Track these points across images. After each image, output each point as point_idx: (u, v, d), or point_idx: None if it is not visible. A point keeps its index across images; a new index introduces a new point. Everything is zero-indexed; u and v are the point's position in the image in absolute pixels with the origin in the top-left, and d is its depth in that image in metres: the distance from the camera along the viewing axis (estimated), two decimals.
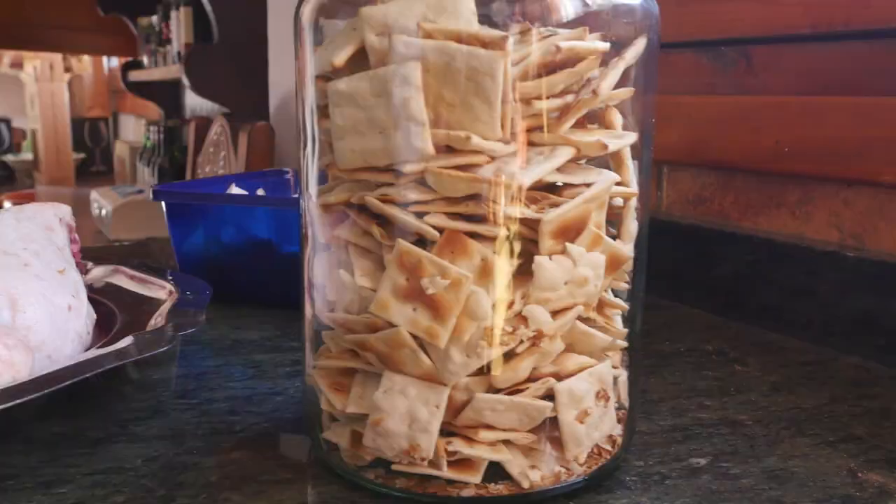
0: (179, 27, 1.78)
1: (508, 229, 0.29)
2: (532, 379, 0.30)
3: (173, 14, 1.82)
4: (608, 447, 0.32)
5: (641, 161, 0.32)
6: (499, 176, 0.28)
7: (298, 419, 0.38)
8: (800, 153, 0.54)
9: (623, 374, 0.33)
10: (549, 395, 0.30)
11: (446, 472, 0.29)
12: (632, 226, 0.32)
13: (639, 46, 0.30)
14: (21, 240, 0.43)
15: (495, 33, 0.27)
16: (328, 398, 0.32)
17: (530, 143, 0.29)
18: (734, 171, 0.59)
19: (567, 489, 0.31)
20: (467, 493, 0.30)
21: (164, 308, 0.43)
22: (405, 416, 0.29)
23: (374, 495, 0.31)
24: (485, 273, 0.28)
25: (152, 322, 0.40)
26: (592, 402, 0.30)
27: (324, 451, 0.33)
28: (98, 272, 0.51)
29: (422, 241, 0.29)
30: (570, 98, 0.30)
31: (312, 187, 0.33)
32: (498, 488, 0.30)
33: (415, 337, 0.29)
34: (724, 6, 0.58)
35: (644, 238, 0.32)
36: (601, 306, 0.32)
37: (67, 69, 3.66)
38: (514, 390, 0.29)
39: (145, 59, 2.35)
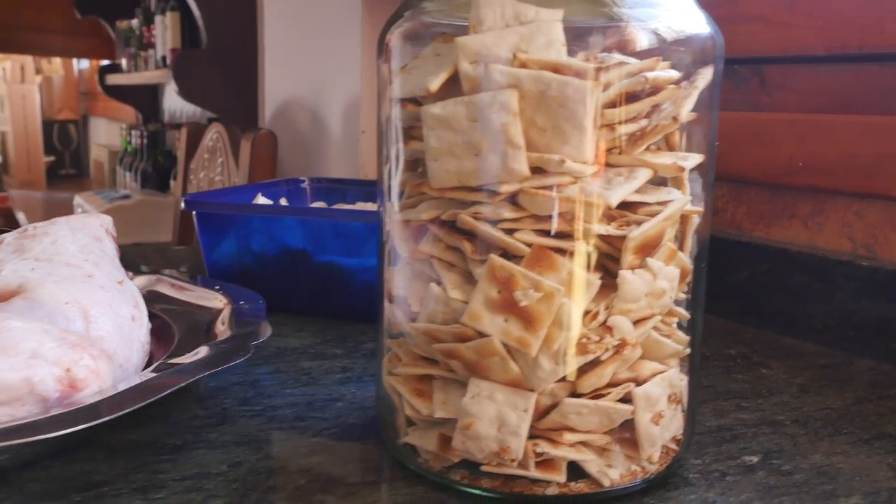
0: (165, 32, 1.77)
1: (591, 245, 0.31)
2: (612, 384, 0.32)
3: (158, 18, 1.81)
4: (673, 447, 0.35)
5: (706, 180, 0.34)
6: (588, 195, 0.30)
7: (364, 424, 0.40)
8: (813, 168, 0.57)
9: (685, 379, 0.35)
10: (624, 399, 0.32)
11: (534, 472, 0.31)
12: (692, 240, 0.34)
13: (708, 74, 0.32)
14: (81, 251, 0.44)
15: (588, 65, 0.29)
16: (411, 403, 0.34)
17: (608, 165, 0.31)
18: (748, 184, 0.62)
19: (641, 486, 0.33)
20: (551, 491, 0.32)
21: (224, 317, 0.44)
22: (494, 420, 0.31)
23: (460, 495, 0.32)
24: (572, 286, 0.30)
25: (218, 331, 0.41)
26: (665, 405, 0.33)
27: (404, 454, 0.35)
28: (141, 281, 0.52)
29: (505, 256, 0.31)
30: (643, 122, 0.32)
31: (395, 203, 0.35)
32: (578, 486, 0.32)
33: (504, 346, 0.31)
34: (739, 27, 0.61)
35: (705, 251, 0.35)
36: (666, 315, 0.34)
37: (38, 71, 3.58)
38: (595, 395, 0.31)
39: (124, 63, 2.32)
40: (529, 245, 0.30)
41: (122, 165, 2.08)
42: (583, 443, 0.32)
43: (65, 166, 3.81)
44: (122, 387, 0.33)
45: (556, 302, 0.30)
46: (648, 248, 0.31)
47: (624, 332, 0.31)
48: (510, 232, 0.31)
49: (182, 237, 1.41)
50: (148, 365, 0.42)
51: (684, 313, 0.34)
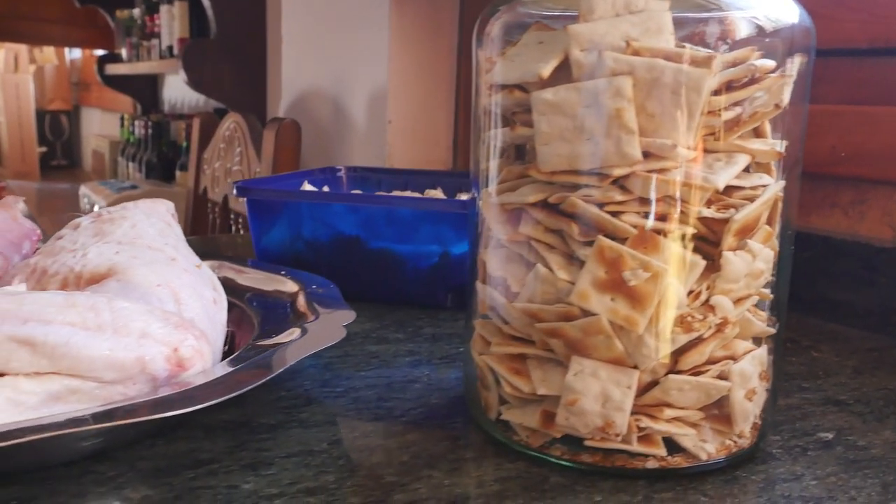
0: (173, 21, 1.76)
1: (692, 227, 0.32)
2: (709, 362, 0.33)
3: (164, 8, 1.80)
4: (758, 422, 0.36)
5: (794, 166, 0.35)
6: (694, 179, 0.31)
7: (447, 404, 0.41)
8: (855, 158, 0.58)
9: (769, 358, 0.37)
10: (719, 376, 0.33)
11: (636, 447, 0.33)
12: (779, 223, 0.36)
13: (802, 62, 0.34)
14: (160, 235, 0.44)
15: (703, 53, 0.30)
16: (510, 381, 0.35)
17: (706, 150, 0.32)
18: None
19: (733, 460, 0.34)
20: (651, 465, 0.33)
21: (301, 301, 0.44)
22: (599, 397, 0.32)
23: (561, 469, 0.34)
24: (678, 267, 0.31)
25: (302, 314, 0.42)
26: (757, 382, 0.34)
27: (497, 431, 0.36)
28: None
29: (608, 237, 0.32)
30: (738, 110, 0.33)
31: (492, 188, 0.36)
32: (675, 460, 0.33)
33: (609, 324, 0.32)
34: None
35: (791, 236, 0.36)
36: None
37: (32, 61, 3.54)
38: (694, 372, 0.33)
39: (124, 53, 2.31)
40: (635, 227, 0.31)
41: (125, 156, 2.06)
42: (677, 418, 0.33)
43: (56, 157, 3.78)
44: (234, 366, 0.33)
45: (663, 282, 0.31)
46: (747, 230, 0.32)
47: (726, 311, 0.32)
48: (615, 214, 0.32)
49: (195, 228, 1.41)
50: (230, 347, 0.43)
51: (768, 294, 0.36)
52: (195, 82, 1.57)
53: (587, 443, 0.33)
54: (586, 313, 0.32)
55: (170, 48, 1.80)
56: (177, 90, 2.36)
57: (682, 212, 0.31)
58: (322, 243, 0.60)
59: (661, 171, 0.31)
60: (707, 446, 0.33)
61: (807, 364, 0.49)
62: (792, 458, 0.35)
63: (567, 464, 0.34)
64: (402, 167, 0.98)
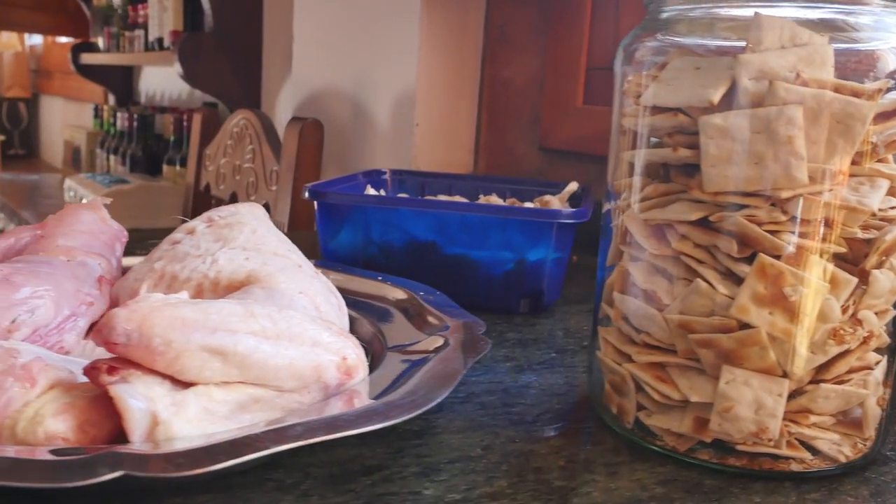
0: (164, 13, 1.72)
1: (838, 245, 0.34)
2: (850, 371, 0.35)
3: None
4: (878, 427, 0.39)
5: None
6: (847, 201, 0.33)
7: (570, 409, 0.42)
8: None
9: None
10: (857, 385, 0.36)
11: (785, 451, 0.35)
12: None
13: None
14: (280, 241, 0.44)
15: (870, 86, 0.32)
16: (657, 389, 0.36)
17: (851, 175, 0.35)
18: None
19: (863, 461, 0.37)
20: (795, 467, 0.35)
21: (416, 307, 0.45)
22: (752, 404, 0.34)
23: (710, 472, 0.36)
24: (832, 283, 0.34)
25: (431, 321, 0.43)
26: (882, 389, 0.37)
27: (638, 437, 0.38)
28: None
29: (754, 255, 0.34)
30: (880, 137, 0.35)
31: (635, 205, 0.37)
32: (815, 462, 0.36)
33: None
34: None
35: None
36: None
37: None
38: (838, 380, 0.35)
39: (100, 42, 2.24)
40: (792, 245, 0.34)
41: (104, 148, 2.01)
42: (815, 424, 0.36)
43: (14, 146, 3.63)
44: (416, 377, 0.34)
45: (821, 297, 0.33)
46: (890, 249, 0.35)
47: (872, 325, 0.34)
48: (773, 233, 0.34)
49: None
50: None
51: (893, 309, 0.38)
52: (190, 76, 1.54)
53: (740, 447, 0.35)
54: (743, 326, 0.34)
55: (159, 40, 1.76)
56: (155, 82, 2.30)
57: (833, 232, 0.34)
58: (396, 248, 0.61)
59: (818, 193, 0.33)
60: (844, 449, 0.36)
61: None
62: None
63: (716, 467, 0.36)
64: (426, 170, 0.99)
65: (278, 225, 0.51)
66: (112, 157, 1.95)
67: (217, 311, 0.32)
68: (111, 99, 2.48)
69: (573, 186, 0.74)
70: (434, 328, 0.42)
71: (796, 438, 0.35)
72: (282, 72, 1.51)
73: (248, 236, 0.43)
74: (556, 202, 0.70)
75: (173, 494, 0.31)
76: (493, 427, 0.39)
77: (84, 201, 1.61)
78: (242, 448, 0.26)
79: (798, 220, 0.33)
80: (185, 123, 1.76)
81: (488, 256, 0.59)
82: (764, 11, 0.33)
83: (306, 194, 0.61)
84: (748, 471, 0.35)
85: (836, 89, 0.32)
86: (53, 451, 0.28)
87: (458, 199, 0.74)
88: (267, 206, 1.14)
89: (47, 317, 0.37)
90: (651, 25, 0.39)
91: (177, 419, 0.29)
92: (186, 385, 0.31)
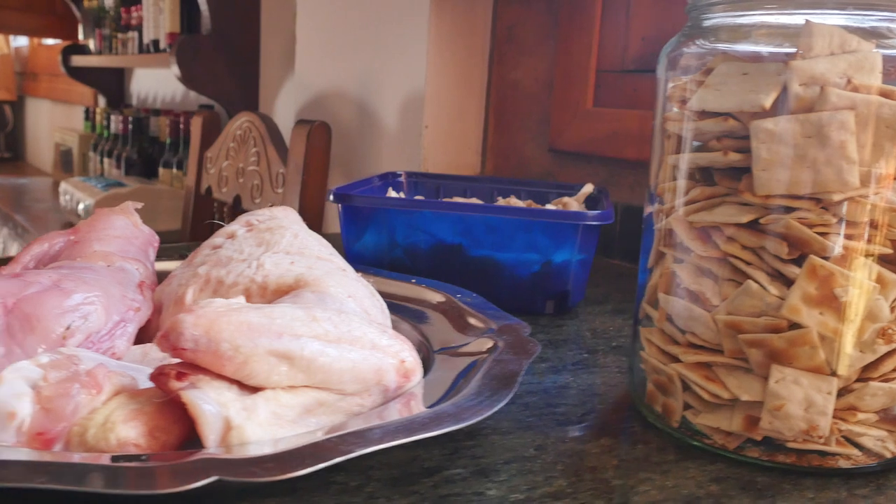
0: (160, 15, 1.71)
1: (884, 246, 0.35)
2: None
3: (148, 0, 1.75)
4: None
5: None
6: (895, 204, 0.34)
7: (612, 409, 0.43)
8: None
9: None
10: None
11: (834, 447, 0.36)
12: None
13: None
14: (321, 245, 0.45)
15: None
16: (706, 388, 0.37)
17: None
18: None
19: None
20: (843, 463, 0.36)
21: (456, 310, 0.46)
22: (802, 402, 0.35)
23: (760, 469, 0.36)
24: (880, 283, 0.34)
25: (473, 323, 0.43)
26: None
27: (685, 435, 0.38)
28: None
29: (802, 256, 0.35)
30: None
31: (680, 208, 0.38)
32: (861, 458, 0.36)
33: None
34: None
35: None
36: None
37: None
38: (884, 378, 0.36)
39: (92, 44, 2.22)
40: (842, 247, 0.34)
41: (98, 151, 1.99)
42: (860, 421, 0.37)
43: None
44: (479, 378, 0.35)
45: (871, 298, 0.34)
46: None
47: None
48: (822, 235, 0.35)
49: (196, 229, 1.38)
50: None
51: None
52: (187, 79, 1.54)
53: (790, 444, 0.36)
54: (793, 326, 0.35)
55: (155, 42, 1.75)
56: (147, 85, 2.29)
57: (880, 233, 0.35)
58: (421, 250, 0.61)
59: (865, 196, 0.34)
60: (889, 445, 0.37)
61: None
62: None
63: (765, 464, 0.36)
64: (435, 172, 0.99)
65: None
66: (106, 160, 1.93)
67: (280, 315, 0.32)
68: (101, 101, 2.45)
69: (589, 188, 0.75)
70: (478, 330, 0.42)
71: (843, 436, 0.36)
72: (280, 73, 1.51)
73: (291, 240, 0.43)
74: (574, 204, 0.71)
75: (239, 498, 0.31)
76: (540, 427, 0.40)
77: (80, 205, 1.59)
78: (328, 452, 0.26)
79: (845, 222, 0.34)
80: (181, 126, 1.75)
81: (514, 258, 0.60)
82: (814, 19, 0.34)
83: (331, 198, 0.62)
84: (797, 467, 0.36)
85: (884, 95, 0.33)
86: (126, 458, 0.28)
87: (474, 201, 0.74)
88: None
89: (99, 323, 0.37)
90: (693, 32, 0.39)
91: (249, 423, 0.29)
92: (253, 390, 0.31)
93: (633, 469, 0.36)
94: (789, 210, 0.35)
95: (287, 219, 0.46)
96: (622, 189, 0.86)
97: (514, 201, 0.72)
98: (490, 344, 0.39)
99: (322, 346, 0.32)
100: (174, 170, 1.74)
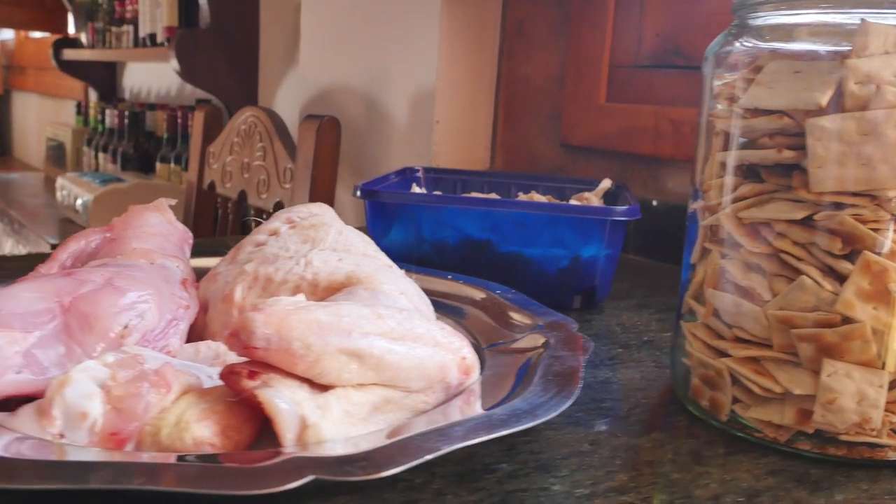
0: (157, 8, 1.69)
1: None
2: None
3: None
4: None
5: None
6: None
7: (657, 403, 0.43)
8: None
9: None
10: None
11: (886, 440, 0.36)
12: None
13: None
14: (364, 242, 0.45)
15: None
16: (757, 382, 0.38)
17: None
18: None
19: None
20: (892, 455, 0.37)
21: (497, 306, 0.46)
22: (854, 395, 0.36)
23: (812, 462, 0.37)
24: None
25: (517, 320, 0.44)
26: None
27: (736, 429, 0.39)
28: None
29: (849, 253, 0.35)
30: None
31: (728, 205, 0.39)
32: None
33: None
34: None
35: None
36: None
37: None
38: None
39: (83, 38, 2.19)
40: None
41: (92, 146, 1.96)
42: None
43: None
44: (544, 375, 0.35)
45: None
46: None
47: None
48: (874, 231, 0.35)
49: (199, 225, 1.37)
50: None
51: None
52: (186, 73, 1.52)
53: (843, 437, 0.36)
54: (846, 320, 0.36)
55: (151, 36, 1.73)
56: (140, 79, 2.26)
57: None
58: (449, 246, 0.61)
59: None
60: None
61: None
62: None
63: (817, 457, 0.37)
64: (445, 167, 0.99)
65: None
66: (101, 155, 1.91)
67: (347, 313, 0.32)
68: (92, 95, 2.43)
69: (607, 183, 0.75)
70: (524, 327, 0.42)
71: (892, 428, 0.37)
72: (280, 68, 1.50)
73: (336, 237, 0.43)
74: (595, 199, 0.71)
75: (311, 496, 0.31)
76: (590, 422, 0.40)
77: (79, 201, 1.58)
78: (417, 450, 0.26)
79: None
80: (178, 120, 1.73)
81: (542, 254, 0.60)
82: (869, 18, 0.35)
83: (357, 193, 0.62)
84: (848, 459, 0.37)
85: None
86: (202, 458, 0.28)
87: (493, 196, 0.75)
88: (280, 205, 1.13)
89: (153, 321, 0.37)
90: (740, 31, 0.40)
91: (324, 422, 0.29)
92: (323, 388, 0.31)
93: (688, 463, 0.36)
94: (840, 206, 0.35)
95: (326, 215, 0.46)
96: (636, 185, 0.86)
97: (536, 197, 0.72)
98: (542, 340, 0.39)
99: (389, 344, 0.32)
100: (172, 164, 1.73)
